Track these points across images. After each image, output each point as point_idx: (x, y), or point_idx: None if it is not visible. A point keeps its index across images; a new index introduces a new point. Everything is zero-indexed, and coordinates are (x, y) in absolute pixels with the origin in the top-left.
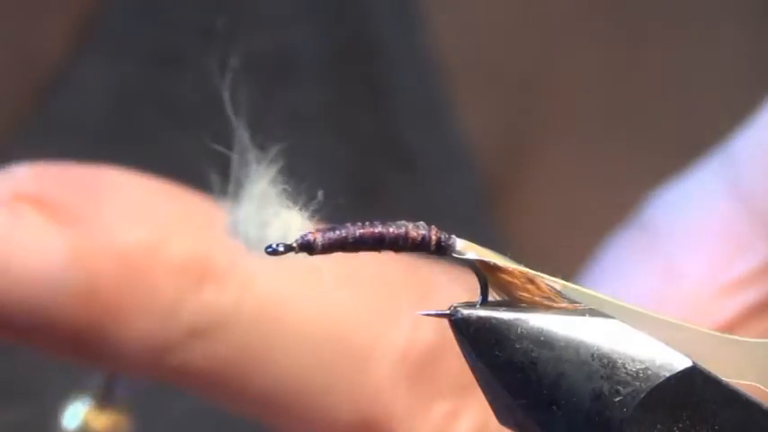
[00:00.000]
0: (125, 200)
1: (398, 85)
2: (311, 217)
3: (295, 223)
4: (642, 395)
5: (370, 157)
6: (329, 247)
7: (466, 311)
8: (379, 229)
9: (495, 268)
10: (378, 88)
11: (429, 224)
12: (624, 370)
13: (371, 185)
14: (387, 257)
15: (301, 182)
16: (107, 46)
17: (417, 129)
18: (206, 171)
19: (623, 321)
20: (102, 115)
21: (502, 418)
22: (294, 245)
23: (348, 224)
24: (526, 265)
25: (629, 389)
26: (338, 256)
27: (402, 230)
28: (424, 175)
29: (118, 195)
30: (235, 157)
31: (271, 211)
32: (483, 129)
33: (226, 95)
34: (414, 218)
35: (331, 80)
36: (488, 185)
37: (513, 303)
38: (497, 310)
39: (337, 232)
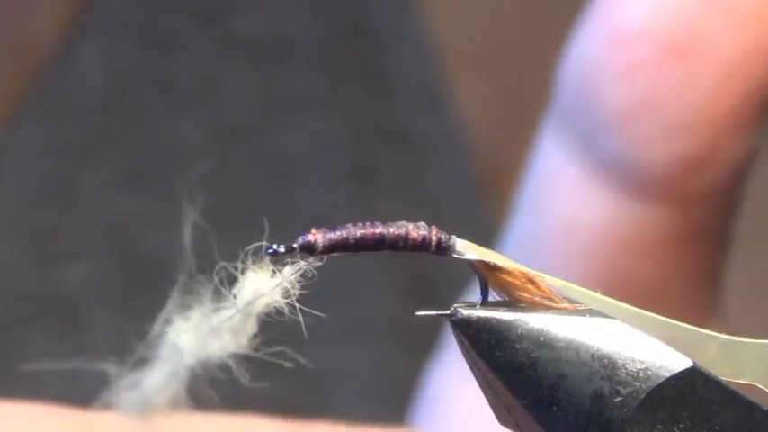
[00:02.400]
0: (14, 428)
1: (394, 69)
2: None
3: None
4: (642, 395)
5: (366, 139)
6: (330, 248)
7: (466, 312)
8: (379, 229)
9: (495, 268)
10: (374, 72)
11: (429, 224)
12: (624, 370)
13: (368, 168)
14: None
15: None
16: (102, 27)
17: (413, 112)
18: (197, 153)
19: (623, 322)
20: (97, 96)
21: (502, 418)
22: (295, 246)
23: (349, 225)
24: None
25: (630, 389)
26: None
27: (403, 231)
28: (419, 158)
29: (4, 424)
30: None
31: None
32: (478, 112)
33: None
34: (409, 200)
35: (327, 64)
36: (483, 168)
37: (513, 303)
38: (497, 311)
39: (338, 233)
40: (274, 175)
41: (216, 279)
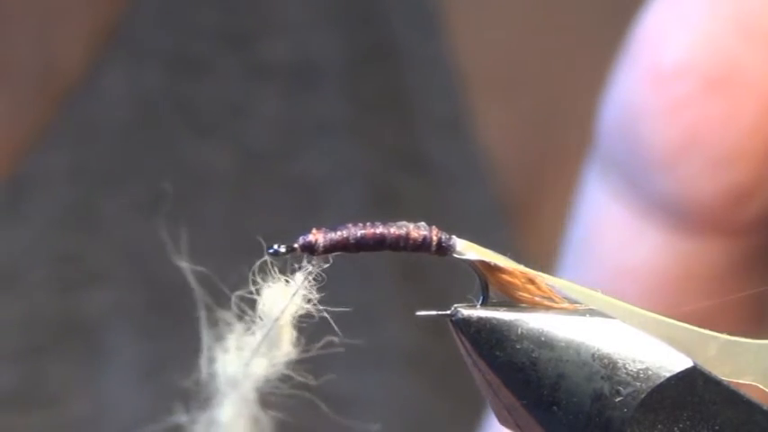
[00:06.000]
0: None
1: (418, 95)
2: None
3: None
4: (643, 395)
5: (388, 165)
6: (331, 248)
7: (466, 312)
8: (380, 229)
9: (495, 268)
10: (398, 98)
11: (429, 225)
12: (625, 370)
13: (390, 194)
14: None
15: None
16: (128, 53)
17: (436, 138)
18: (222, 179)
19: (623, 322)
20: (122, 121)
21: (502, 418)
22: (296, 246)
23: (349, 225)
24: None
25: (630, 389)
26: None
27: (403, 231)
28: (441, 185)
29: None
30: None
31: None
32: (502, 138)
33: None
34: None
35: (351, 89)
36: (506, 197)
37: (513, 304)
38: (498, 311)
39: (339, 233)
40: (297, 200)
41: (237, 307)
